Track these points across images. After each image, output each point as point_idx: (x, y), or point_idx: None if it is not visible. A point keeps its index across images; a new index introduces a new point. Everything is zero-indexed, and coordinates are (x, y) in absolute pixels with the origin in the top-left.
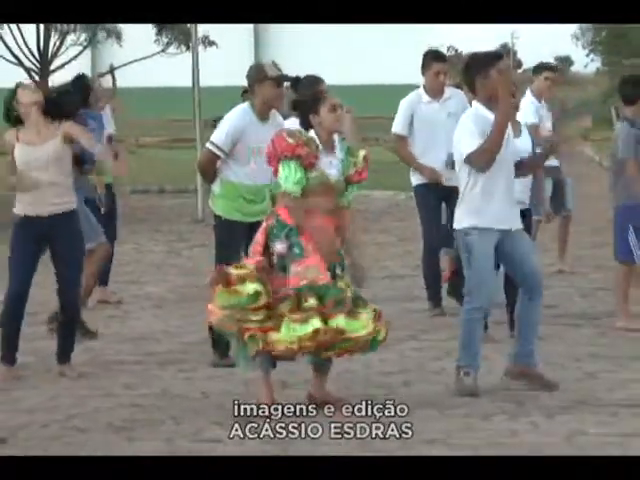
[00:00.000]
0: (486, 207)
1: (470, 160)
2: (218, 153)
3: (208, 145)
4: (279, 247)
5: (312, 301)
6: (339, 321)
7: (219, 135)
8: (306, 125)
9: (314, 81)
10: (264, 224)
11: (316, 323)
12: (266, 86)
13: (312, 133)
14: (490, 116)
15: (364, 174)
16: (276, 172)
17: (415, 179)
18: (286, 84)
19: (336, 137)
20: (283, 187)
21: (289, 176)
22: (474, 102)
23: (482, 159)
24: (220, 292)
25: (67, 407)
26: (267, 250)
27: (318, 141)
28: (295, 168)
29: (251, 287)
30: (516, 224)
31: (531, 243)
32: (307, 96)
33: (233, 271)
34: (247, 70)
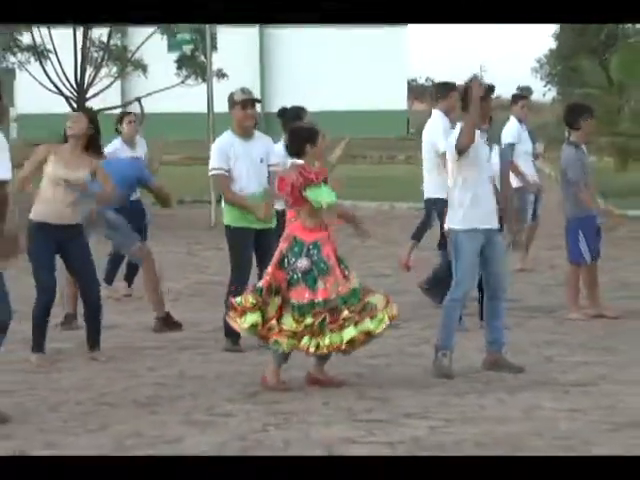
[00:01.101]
0: (474, 210)
1: (457, 142)
2: (222, 173)
3: (212, 173)
4: (303, 264)
5: (346, 312)
6: (364, 327)
7: (212, 161)
8: (300, 153)
9: (299, 110)
10: (280, 246)
11: (352, 331)
12: (236, 109)
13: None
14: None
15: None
16: (296, 202)
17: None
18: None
19: None
20: (326, 202)
21: (328, 193)
22: (459, 123)
23: (462, 140)
24: (232, 319)
25: (99, 386)
26: (282, 268)
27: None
28: (329, 190)
29: (249, 319)
30: (496, 224)
31: (503, 249)
32: (306, 128)
33: (236, 303)
34: (230, 97)
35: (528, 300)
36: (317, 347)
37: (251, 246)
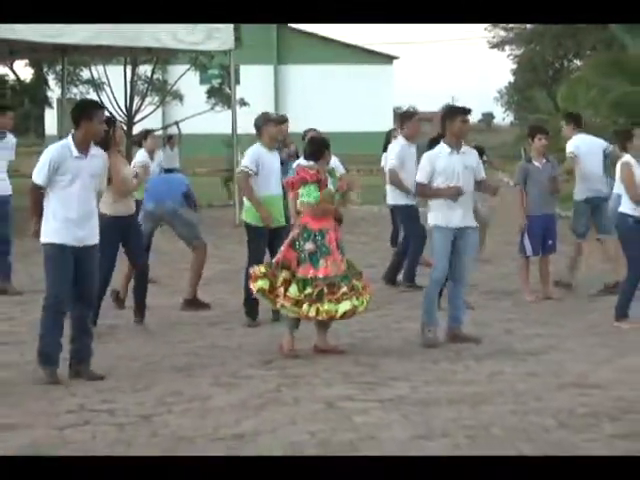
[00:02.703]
0: (445, 213)
1: (415, 188)
2: (249, 171)
3: (242, 168)
4: (309, 247)
5: (344, 288)
6: (354, 302)
7: (244, 161)
8: (319, 156)
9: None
10: (291, 233)
11: (348, 305)
12: (270, 126)
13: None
14: (447, 149)
15: (344, 186)
16: (295, 196)
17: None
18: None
19: None
20: (306, 200)
21: (310, 193)
22: (442, 141)
23: (418, 195)
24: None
25: (144, 355)
26: (294, 249)
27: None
28: (314, 189)
29: (259, 284)
30: (468, 223)
31: (473, 245)
32: (324, 138)
33: (251, 271)
34: (254, 120)
35: (492, 285)
36: (317, 312)
37: (265, 239)
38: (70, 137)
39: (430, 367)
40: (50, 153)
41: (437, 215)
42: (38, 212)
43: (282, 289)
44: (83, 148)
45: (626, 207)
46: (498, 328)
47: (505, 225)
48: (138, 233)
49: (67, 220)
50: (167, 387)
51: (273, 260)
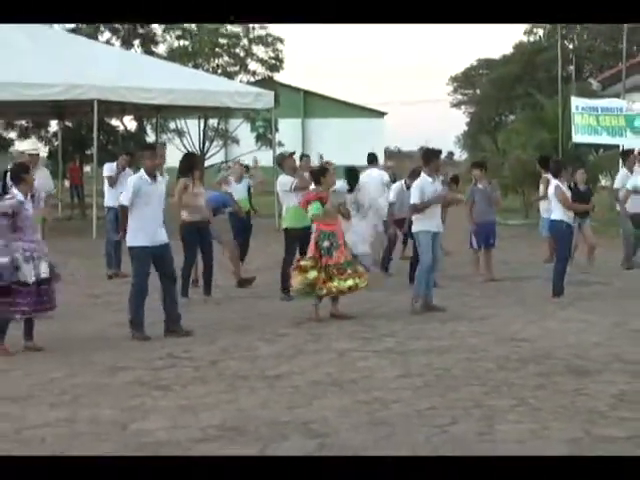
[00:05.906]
0: (427, 222)
1: (410, 208)
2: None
3: (279, 187)
4: (326, 244)
5: (349, 271)
6: (356, 280)
7: (281, 181)
8: (317, 182)
9: (325, 164)
10: (314, 234)
11: (351, 282)
12: (288, 160)
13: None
14: (429, 179)
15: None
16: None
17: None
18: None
19: None
20: (313, 213)
21: (317, 208)
22: (422, 172)
23: (411, 213)
24: (296, 275)
25: (211, 319)
26: (317, 245)
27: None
28: (318, 205)
29: (311, 275)
30: (440, 229)
31: (440, 243)
32: (320, 169)
33: (303, 263)
34: (277, 156)
35: (450, 271)
36: (329, 290)
37: (298, 239)
38: (142, 170)
39: (409, 328)
40: (132, 182)
41: (423, 223)
42: (125, 224)
43: (321, 278)
44: (151, 176)
45: (558, 215)
46: (456, 300)
47: (461, 229)
48: (210, 236)
49: (144, 229)
50: (228, 341)
51: (309, 255)
